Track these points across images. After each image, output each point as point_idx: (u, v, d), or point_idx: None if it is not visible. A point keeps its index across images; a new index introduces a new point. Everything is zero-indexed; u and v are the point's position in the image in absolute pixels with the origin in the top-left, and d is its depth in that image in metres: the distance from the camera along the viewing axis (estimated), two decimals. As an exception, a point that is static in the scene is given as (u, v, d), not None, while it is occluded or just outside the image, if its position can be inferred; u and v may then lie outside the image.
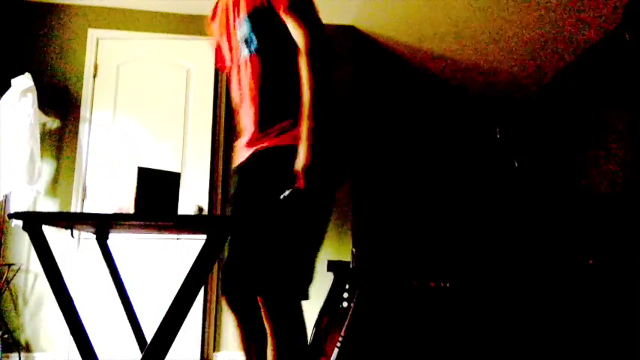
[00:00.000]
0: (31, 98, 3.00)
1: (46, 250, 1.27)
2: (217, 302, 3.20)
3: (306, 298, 1.28)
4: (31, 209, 3.00)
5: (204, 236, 1.32)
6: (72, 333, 1.26)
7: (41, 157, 3.09)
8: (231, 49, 1.53)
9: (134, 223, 1.33)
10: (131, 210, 1.32)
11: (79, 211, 3.14)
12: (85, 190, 3.22)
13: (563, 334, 2.57)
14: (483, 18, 3.64)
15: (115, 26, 3.47)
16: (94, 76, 3.36)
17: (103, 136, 3.29)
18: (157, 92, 3.37)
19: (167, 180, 1.38)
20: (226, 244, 1.43)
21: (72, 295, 1.29)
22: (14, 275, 3.02)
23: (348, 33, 3.73)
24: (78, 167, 3.23)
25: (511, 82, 4.69)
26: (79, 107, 3.31)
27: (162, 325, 1.23)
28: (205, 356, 3.09)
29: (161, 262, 3.10)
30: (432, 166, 5.36)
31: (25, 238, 3.06)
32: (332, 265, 2.64)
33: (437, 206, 5.21)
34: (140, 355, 1.38)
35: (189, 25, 3.53)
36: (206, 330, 3.13)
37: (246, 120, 1.45)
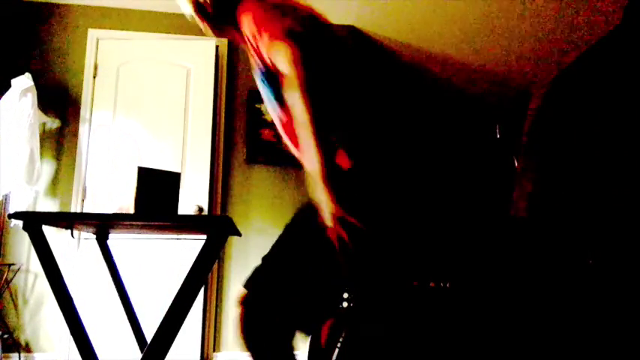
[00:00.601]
0: (31, 98, 3.00)
1: (46, 250, 1.27)
2: (217, 302, 3.21)
3: None
4: (30, 209, 3.00)
5: (205, 236, 1.32)
6: (72, 333, 1.26)
7: (41, 157, 3.10)
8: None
9: (134, 223, 1.33)
10: (131, 210, 1.32)
11: (79, 211, 3.14)
12: (84, 190, 3.22)
13: (563, 334, 2.57)
14: (483, 18, 3.64)
15: (115, 26, 3.47)
16: (94, 76, 3.36)
17: (103, 136, 3.29)
18: (157, 92, 3.37)
19: (167, 180, 1.38)
20: None
21: (72, 295, 1.29)
22: (14, 275, 3.02)
23: (348, 33, 3.74)
24: (78, 167, 3.23)
25: (511, 82, 4.69)
26: (79, 107, 3.31)
27: (162, 325, 1.23)
28: (205, 356, 3.09)
29: (161, 262, 3.10)
30: (432, 166, 5.36)
31: (25, 238, 3.06)
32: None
33: (437, 206, 5.21)
34: (140, 355, 1.38)
35: (189, 25, 3.52)
36: (206, 330, 3.13)
37: None
